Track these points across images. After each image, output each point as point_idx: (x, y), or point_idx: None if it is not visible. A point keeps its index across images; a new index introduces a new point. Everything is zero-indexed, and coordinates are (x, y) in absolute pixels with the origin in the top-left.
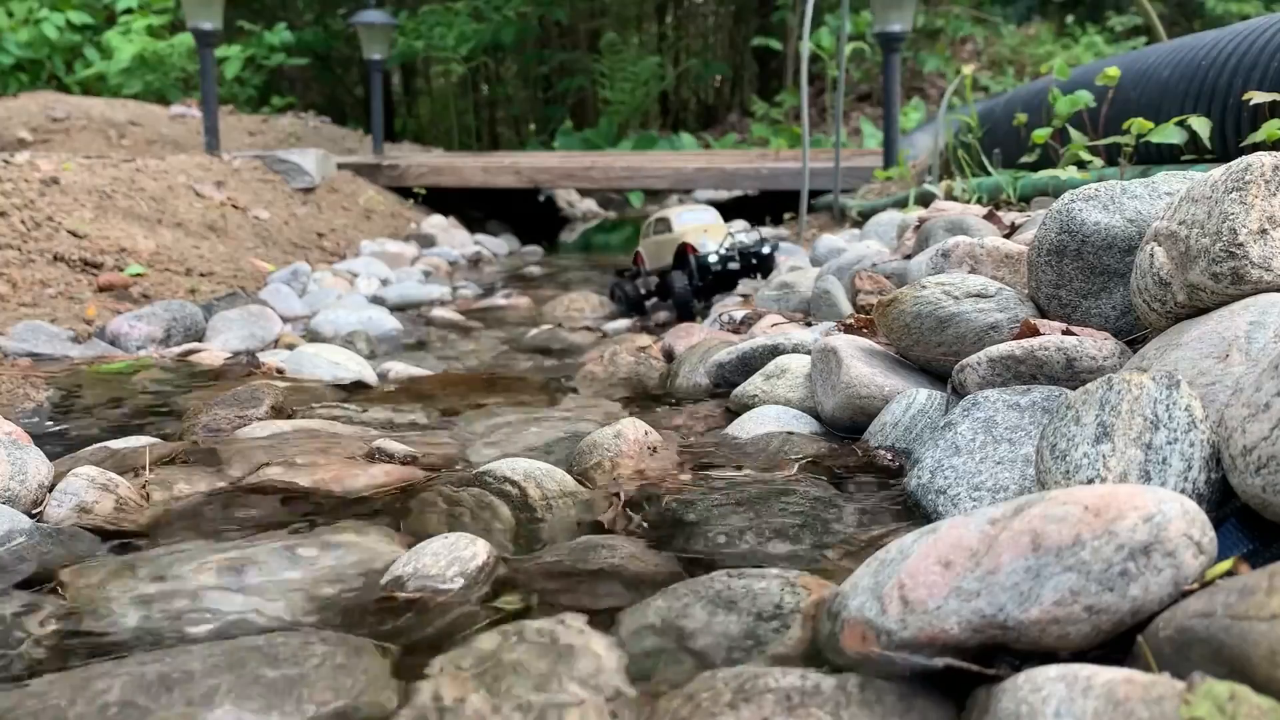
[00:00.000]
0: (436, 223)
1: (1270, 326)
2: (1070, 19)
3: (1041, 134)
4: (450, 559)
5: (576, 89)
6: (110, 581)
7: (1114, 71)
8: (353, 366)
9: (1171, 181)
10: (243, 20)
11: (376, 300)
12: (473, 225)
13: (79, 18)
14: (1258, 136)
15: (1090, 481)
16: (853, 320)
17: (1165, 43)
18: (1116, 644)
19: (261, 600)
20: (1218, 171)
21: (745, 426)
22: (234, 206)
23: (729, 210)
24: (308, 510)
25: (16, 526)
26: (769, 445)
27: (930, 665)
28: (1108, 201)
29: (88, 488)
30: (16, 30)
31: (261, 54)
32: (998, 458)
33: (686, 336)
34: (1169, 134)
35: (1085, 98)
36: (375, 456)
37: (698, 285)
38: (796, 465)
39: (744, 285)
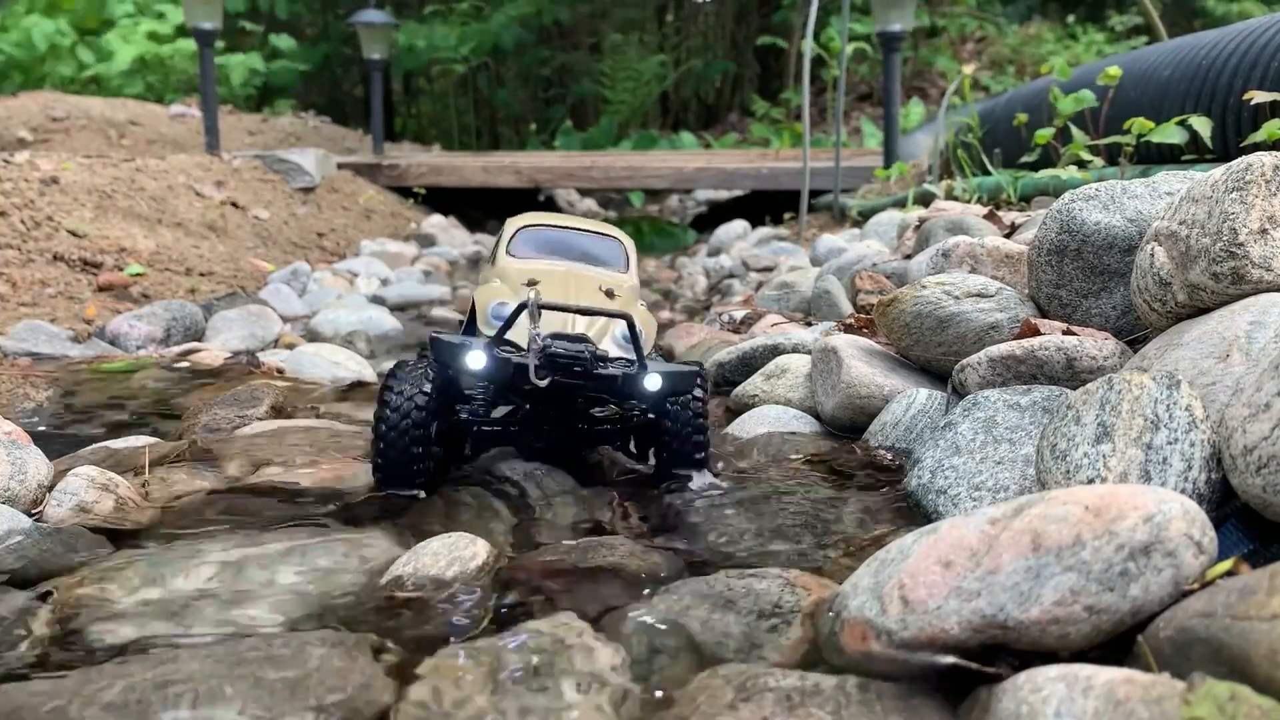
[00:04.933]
0: (436, 222)
1: (1271, 326)
2: (1071, 19)
3: (1044, 134)
4: (450, 558)
5: (577, 90)
6: (110, 582)
7: (1115, 71)
8: (353, 366)
9: (1172, 181)
10: (241, 23)
11: (376, 300)
12: (473, 225)
13: (65, 26)
14: (1258, 136)
15: (1090, 481)
16: (853, 320)
17: (1166, 42)
18: (1117, 644)
19: (261, 600)
20: (1218, 171)
21: (745, 426)
22: (234, 206)
23: (729, 210)
24: (307, 510)
25: (16, 526)
26: (769, 445)
27: (931, 665)
28: (1108, 201)
29: (87, 487)
30: (9, 30)
31: (261, 68)
32: (998, 458)
33: (686, 336)
34: (1170, 134)
35: (1089, 97)
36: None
37: (470, 420)
38: (796, 465)
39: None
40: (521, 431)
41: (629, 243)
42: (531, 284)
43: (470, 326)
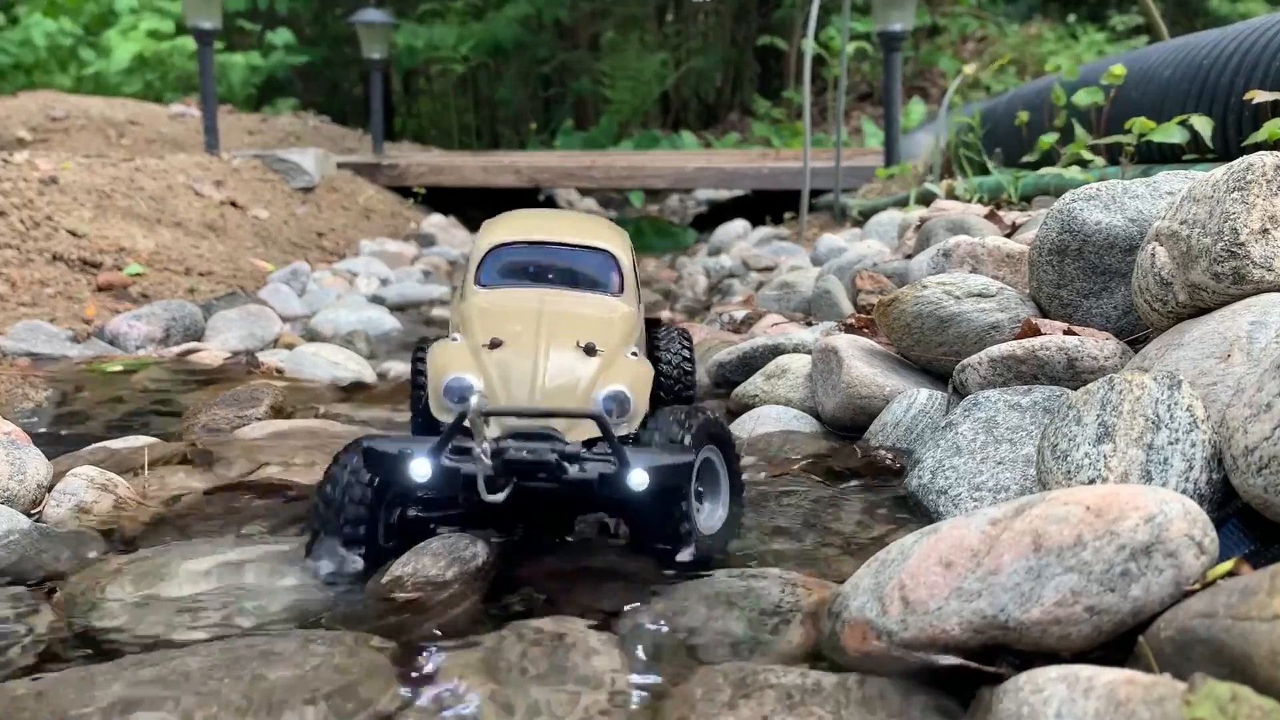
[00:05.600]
0: (436, 222)
1: (1272, 326)
2: (1072, 18)
3: (1048, 139)
4: (451, 559)
5: (577, 89)
6: (109, 582)
7: (1119, 70)
8: (352, 366)
9: (1173, 181)
10: (240, 22)
11: (376, 300)
12: (472, 224)
13: (71, 27)
14: (1259, 136)
15: (1091, 482)
16: (853, 320)
17: (1167, 42)
18: (1118, 645)
19: (260, 600)
20: (1219, 171)
21: (746, 426)
22: (233, 206)
23: (730, 210)
24: (307, 510)
25: (15, 526)
26: (770, 445)
27: (931, 665)
28: (1109, 201)
29: (87, 487)
30: (6, 29)
31: (263, 65)
32: (999, 458)
33: None
34: (1171, 133)
35: (1098, 92)
36: None
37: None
38: (797, 465)
39: None
40: (491, 520)
41: (623, 251)
42: (494, 345)
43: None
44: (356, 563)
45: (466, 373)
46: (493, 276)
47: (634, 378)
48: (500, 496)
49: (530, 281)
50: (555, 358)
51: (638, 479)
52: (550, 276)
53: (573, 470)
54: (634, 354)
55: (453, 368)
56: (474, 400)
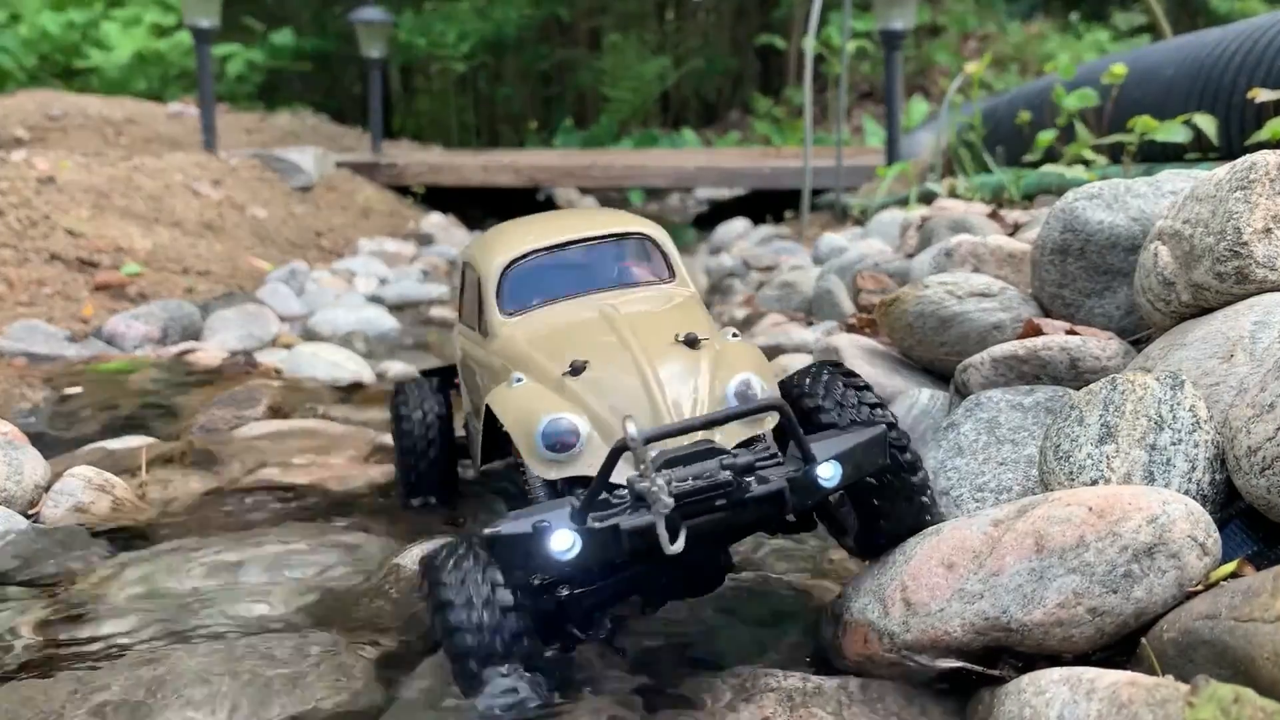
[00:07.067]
0: (435, 221)
1: (1275, 326)
2: (1074, 16)
3: (1046, 137)
4: None
5: (577, 87)
6: (107, 582)
7: (1120, 69)
8: (351, 366)
9: (1176, 180)
10: (244, 19)
11: (375, 299)
12: (472, 223)
13: (80, 16)
14: (1262, 135)
15: (1094, 482)
16: (855, 320)
17: (1169, 41)
18: (1120, 646)
19: (258, 599)
20: (1222, 170)
21: None
22: (231, 205)
23: (731, 209)
24: (305, 510)
25: (13, 527)
26: None
27: (933, 667)
28: (1111, 200)
29: (84, 488)
30: (11, 26)
31: (264, 60)
32: (1001, 458)
33: None
34: (1173, 132)
35: (1091, 95)
36: (373, 456)
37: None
38: None
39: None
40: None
41: (658, 231)
42: (576, 370)
43: (492, 446)
44: (539, 688)
45: (559, 411)
46: (519, 300)
47: (755, 362)
48: (681, 544)
49: (567, 292)
50: (662, 361)
51: (827, 472)
52: (592, 282)
53: (755, 485)
54: (735, 335)
55: (540, 410)
56: (631, 428)
